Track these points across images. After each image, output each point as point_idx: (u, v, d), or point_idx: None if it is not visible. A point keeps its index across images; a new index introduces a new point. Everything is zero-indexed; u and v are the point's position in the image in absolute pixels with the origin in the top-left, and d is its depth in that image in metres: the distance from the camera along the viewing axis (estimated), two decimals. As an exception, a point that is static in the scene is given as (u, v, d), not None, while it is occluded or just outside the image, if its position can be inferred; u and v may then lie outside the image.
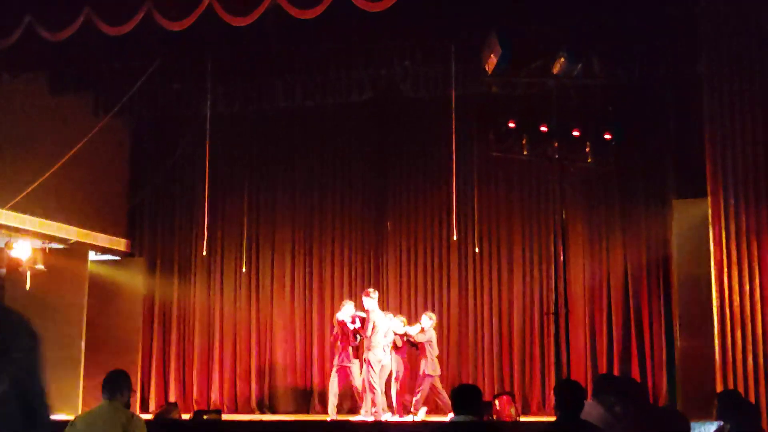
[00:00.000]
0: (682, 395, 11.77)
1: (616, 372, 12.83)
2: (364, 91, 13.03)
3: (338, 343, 12.20)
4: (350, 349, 12.16)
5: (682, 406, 11.29)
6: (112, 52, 12.27)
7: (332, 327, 12.45)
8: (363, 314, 12.03)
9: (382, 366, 11.79)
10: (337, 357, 12.23)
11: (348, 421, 11.67)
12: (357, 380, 12.03)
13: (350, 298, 14.35)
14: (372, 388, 11.62)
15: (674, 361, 12.35)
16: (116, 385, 5.64)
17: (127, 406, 5.69)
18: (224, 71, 12.88)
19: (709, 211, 11.00)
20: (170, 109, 13.90)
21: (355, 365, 12.10)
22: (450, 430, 5.21)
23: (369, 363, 11.67)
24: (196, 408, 13.62)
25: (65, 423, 5.79)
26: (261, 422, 11.88)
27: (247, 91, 13.48)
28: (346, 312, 12.21)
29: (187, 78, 13.14)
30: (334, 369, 12.23)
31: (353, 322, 11.94)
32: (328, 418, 11.96)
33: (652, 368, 12.92)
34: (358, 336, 11.99)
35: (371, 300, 11.94)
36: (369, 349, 11.70)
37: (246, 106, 13.68)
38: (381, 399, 11.66)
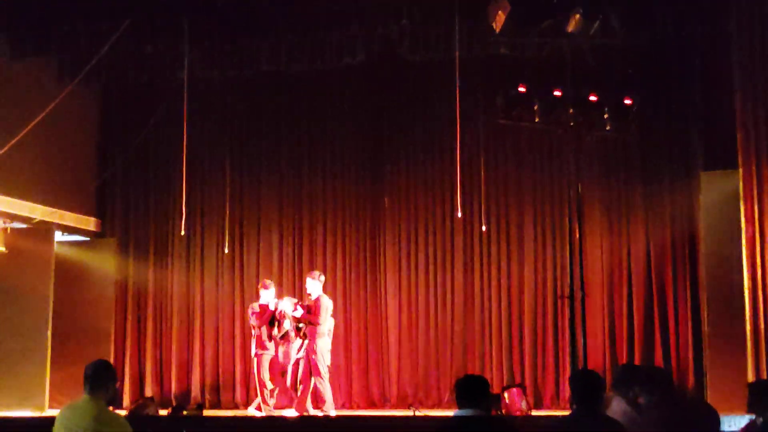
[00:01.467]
0: (710, 386, 11.81)
1: (637, 361, 12.88)
2: (357, 53, 12.96)
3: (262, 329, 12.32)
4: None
5: (710, 397, 11.33)
6: (77, 10, 12.20)
7: (261, 313, 12.34)
8: (289, 300, 12.28)
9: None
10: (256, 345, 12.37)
11: (343, 417, 11.73)
12: (265, 371, 12.21)
13: (343, 282, 14.41)
14: (321, 378, 11.90)
15: (702, 349, 12.39)
16: (100, 378, 5.67)
17: (112, 400, 5.74)
18: (202, 32, 12.80)
19: (740, 184, 11.02)
20: (143, 74, 13.82)
21: (267, 354, 12.25)
22: (454, 425, 5.21)
23: (318, 352, 11.92)
24: (174, 403, 13.66)
25: (31, 420, 5.83)
26: (247, 419, 11.90)
27: (228, 54, 13.39)
28: (270, 295, 12.36)
29: (161, 39, 13.05)
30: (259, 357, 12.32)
31: (294, 308, 12.03)
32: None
33: (677, 356, 12.95)
34: (300, 324, 12.09)
35: (320, 284, 12.22)
36: (318, 337, 11.95)
37: (226, 70, 13.60)
38: (329, 389, 12.01)
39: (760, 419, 5.82)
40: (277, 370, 12.39)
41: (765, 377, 10.24)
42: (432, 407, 13.41)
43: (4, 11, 11.85)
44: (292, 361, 12.25)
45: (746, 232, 10.73)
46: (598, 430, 5.03)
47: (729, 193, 11.46)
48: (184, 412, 11.72)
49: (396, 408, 13.62)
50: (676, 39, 12.47)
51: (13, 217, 13.60)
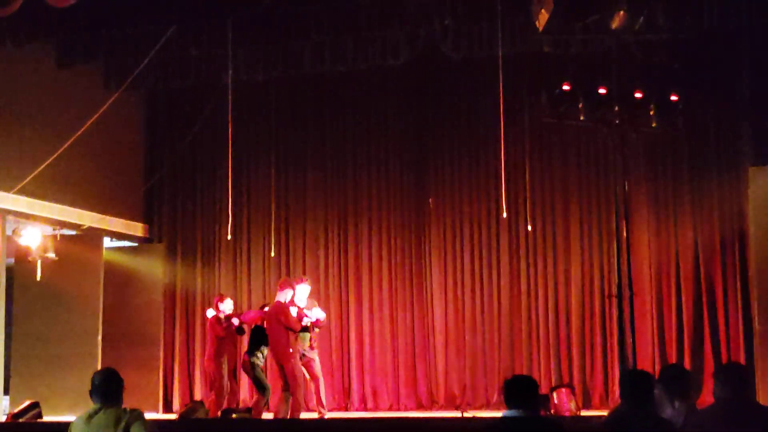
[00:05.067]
0: (760, 385, 11.67)
1: (687, 359, 12.78)
2: (401, 53, 12.97)
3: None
4: None
5: (761, 397, 11.19)
6: (122, 17, 12.33)
7: (258, 317, 12.24)
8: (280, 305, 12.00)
9: None
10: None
11: (392, 418, 11.73)
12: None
13: (389, 283, 14.38)
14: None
15: (752, 348, 12.24)
16: (110, 386, 5.73)
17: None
18: (246, 35, 12.87)
19: (790, 179, 10.87)
20: (188, 78, 13.93)
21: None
22: (503, 426, 5.20)
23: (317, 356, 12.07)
24: (224, 406, 13.74)
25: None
26: (296, 421, 11.94)
27: (272, 56, 13.46)
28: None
29: (206, 44, 13.13)
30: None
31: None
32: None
33: (727, 356, 12.79)
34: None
35: (309, 288, 12.10)
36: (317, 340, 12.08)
37: (271, 72, 13.67)
38: None
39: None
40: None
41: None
42: (480, 408, 13.38)
43: (50, 20, 11.99)
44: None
45: (797, 228, 10.59)
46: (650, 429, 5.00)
47: (778, 189, 11.33)
48: (234, 416, 11.78)
49: (444, 409, 13.60)
50: (723, 32, 12.34)
51: (63, 224, 13.78)
